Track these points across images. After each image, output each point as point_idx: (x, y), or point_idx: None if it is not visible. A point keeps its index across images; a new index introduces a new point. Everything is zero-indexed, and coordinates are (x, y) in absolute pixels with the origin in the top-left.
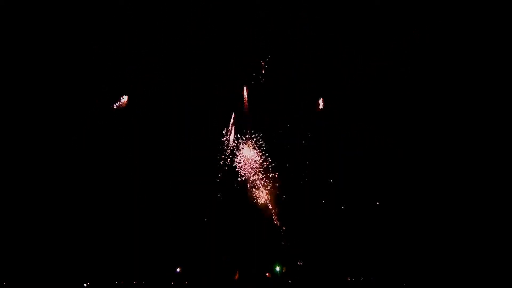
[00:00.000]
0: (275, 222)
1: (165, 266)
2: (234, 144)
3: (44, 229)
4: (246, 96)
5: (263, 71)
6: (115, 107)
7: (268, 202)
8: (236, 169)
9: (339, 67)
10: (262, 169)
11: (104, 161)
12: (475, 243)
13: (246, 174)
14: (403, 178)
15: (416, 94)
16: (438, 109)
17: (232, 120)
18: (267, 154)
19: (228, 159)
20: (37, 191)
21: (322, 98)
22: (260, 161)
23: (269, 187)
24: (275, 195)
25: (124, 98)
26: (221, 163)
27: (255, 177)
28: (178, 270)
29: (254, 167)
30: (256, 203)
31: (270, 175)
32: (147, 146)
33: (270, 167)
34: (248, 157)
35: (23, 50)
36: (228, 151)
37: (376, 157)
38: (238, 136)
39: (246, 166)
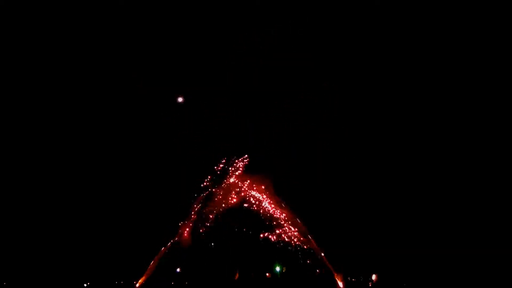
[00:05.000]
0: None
1: (165, 266)
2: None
3: (44, 229)
4: None
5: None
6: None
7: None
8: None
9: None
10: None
11: (105, 161)
12: (475, 243)
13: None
14: (403, 178)
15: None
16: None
17: None
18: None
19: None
20: (37, 191)
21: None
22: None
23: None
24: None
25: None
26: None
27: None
28: (178, 270)
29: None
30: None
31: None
32: (148, 146)
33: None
34: None
35: (23, 50)
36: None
37: (375, 155)
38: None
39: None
